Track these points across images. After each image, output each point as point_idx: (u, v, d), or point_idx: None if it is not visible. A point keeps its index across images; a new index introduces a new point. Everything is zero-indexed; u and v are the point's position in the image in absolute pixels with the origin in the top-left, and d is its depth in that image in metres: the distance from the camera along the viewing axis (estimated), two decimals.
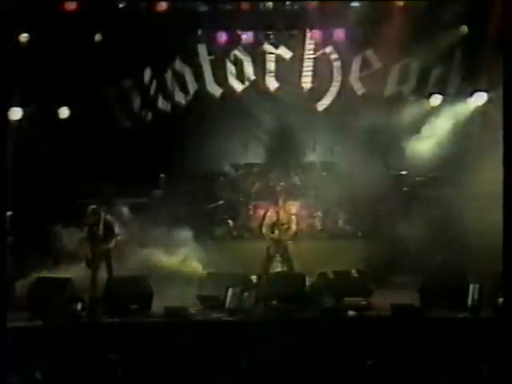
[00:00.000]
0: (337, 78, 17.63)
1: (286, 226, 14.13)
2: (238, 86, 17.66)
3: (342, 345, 11.59)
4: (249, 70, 17.64)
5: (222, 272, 14.29)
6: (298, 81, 17.69)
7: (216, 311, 12.78)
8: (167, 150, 16.79)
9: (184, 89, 17.69)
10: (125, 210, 15.38)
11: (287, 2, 16.84)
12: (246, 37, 17.40)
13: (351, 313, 12.62)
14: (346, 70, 17.61)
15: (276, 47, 17.61)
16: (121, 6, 16.42)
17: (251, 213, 16.65)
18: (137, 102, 17.39)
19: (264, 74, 17.71)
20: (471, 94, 16.60)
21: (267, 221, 14.23)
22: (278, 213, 14.23)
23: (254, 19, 16.93)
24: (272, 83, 17.73)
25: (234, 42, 17.48)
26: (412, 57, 17.03)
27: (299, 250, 14.50)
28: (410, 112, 16.90)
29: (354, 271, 13.76)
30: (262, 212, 15.51)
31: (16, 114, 15.40)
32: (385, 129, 16.69)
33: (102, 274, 13.69)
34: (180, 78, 17.64)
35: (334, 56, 17.59)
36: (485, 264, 12.82)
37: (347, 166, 16.91)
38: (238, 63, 17.62)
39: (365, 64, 17.50)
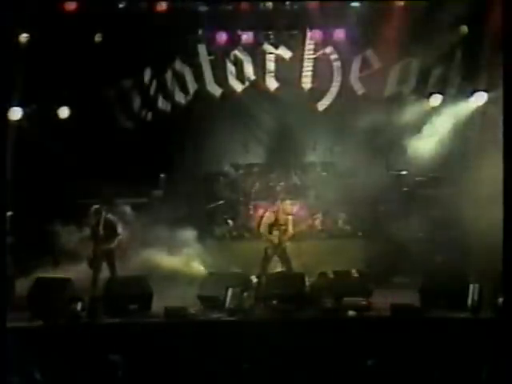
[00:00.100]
0: (337, 78, 17.62)
1: (283, 227, 14.14)
2: (238, 86, 17.66)
3: (342, 345, 11.59)
4: (249, 70, 17.64)
5: (222, 272, 14.32)
6: (298, 81, 17.68)
7: (216, 311, 12.78)
8: (167, 150, 16.79)
9: (184, 89, 17.69)
10: (125, 210, 15.38)
11: (287, 2, 16.84)
12: (246, 37, 17.39)
13: (351, 313, 12.62)
14: (345, 70, 17.61)
15: (276, 47, 17.61)
16: (121, 6, 16.41)
17: (251, 213, 16.66)
18: (137, 102, 17.39)
19: (264, 74, 17.70)
20: (471, 94, 16.58)
21: (265, 222, 14.24)
22: (275, 214, 14.24)
23: (254, 19, 16.92)
24: (272, 83, 17.72)
25: (234, 42, 17.48)
26: (412, 57, 17.03)
27: (299, 250, 14.51)
28: (410, 112, 16.88)
29: (354, 271, 13.76)
30: (261, 212, 15.50)
31: (16, 114, 15.39)
32: (385, 129, 16.69)
33: (103, 274, 13.71)
34: (180, 78, 17.64)
35: (333, 56, 17.58)
36: (485, 264, 12.82)
37: (347, 166, 16.93)
38: (238, 63, 17.62)
39: (365, 64, 17.50)
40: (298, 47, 17.59)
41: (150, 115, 17.46)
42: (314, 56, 17.63)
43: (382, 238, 15.39)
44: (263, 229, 14.19)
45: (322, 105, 17.72)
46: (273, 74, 17.69)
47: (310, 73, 17.69)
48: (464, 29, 16.65)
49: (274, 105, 17.51)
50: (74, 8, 16.17)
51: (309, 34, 17.49)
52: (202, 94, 17.67)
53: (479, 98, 16.49)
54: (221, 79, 17.64)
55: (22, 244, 14.14)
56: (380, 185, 16.17)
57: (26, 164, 15.00)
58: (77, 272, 13.95)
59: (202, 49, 17.52)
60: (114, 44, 16.46)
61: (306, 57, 17.65)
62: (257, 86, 17.72)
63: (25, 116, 15.67)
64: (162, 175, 17.03)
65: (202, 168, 17.26)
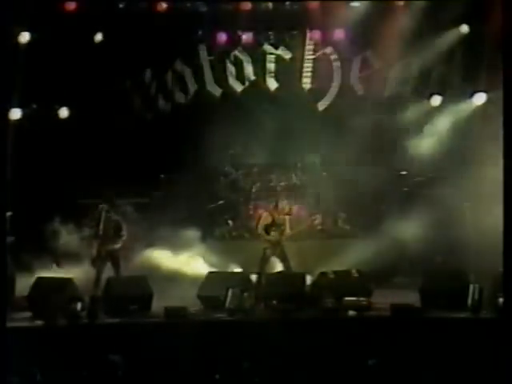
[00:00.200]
0: (337, 78, 17.62)
1: (281, 228, 14.16)
2: (238, 86, 17.66)
3: (342, 345, 11.59)
4: (249, 70, 17.63)
5: (222, 272, 14.32)
6: (298, 81, 17.69)
7: (216, 311, 12.78)
8: (167, 150, 16.78)
9: (184, 89, 17.69)
10: (126, 210, 15.37)
11: (287, 2, 16.84)
12: (246, 37, 17.40)
13: (351, 313, 12.62)
14: (345, 70, 17.60)
15: (276, 47, 17.61)
16: (121, 6, 16.41)
17: (251, 213, 16.66)
18: (137, 102, 17.38)
19: (264, 74, 17.70)
20: (471, 95, 16.59)
21: (262, 222, 14.28)
22: (272, 214, 14.26)
23: (254, 19, 16.92)
24: (272, 83, 17.73)
25: (234, 42, 17.48)
26: (412, 57, 17.02)
27: (299, 250, 14.51)
28: (410, 112, 16.88)
29: (354, 271, 13.76)
30: (260, 213, 15.49)
31: (16, 114, 15.39)
32: (385, 129, 16.69)
33: (104, 274, 13.73)
34: (180, 78, 17.64)
35: (333, 56, 17.58)
36: (485, 264, 12.83)
37: (347, 166, 16.91)
38: (238, 63, 17.62)
39: (365, 64, 17.50)
40: (298, 47, 17.59)
41: (150, 115, 17.46)
42: (313, 56, 17.63)
43: (382, 238, 15.38)
44: (261, 229, 14.23)
45: (321, 105, 17.72)
46: (273, 74, 17.69)
47: (309, 73, 17.69)
48: (464, 29, 16.66)
49: (274, 105, 17.49)
50: (74, 8, 16.16)
51: (309, 34, 17.50)
52: (202, 94, 17.67)
53: (479, 99, 16.50)
54: (221, 79, 17.64)
55: (22, 244, 14.13)
56: (380, 185, 16.18)
57: (26, 164, 15.00)
58: (77, 272, 13.96)
59: (202, 49, 17.53)
60: (114, 44, 16.47)
61: (305, 57, 17.65)
62: (257, 85, 17.72)
63: (25, 116, 15.66)
64: (162, 175, 17.03)
65: (202, 168, 17.24)
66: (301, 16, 16.97)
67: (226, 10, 16.78)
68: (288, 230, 14.25)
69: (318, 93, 17.78)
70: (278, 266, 14.29)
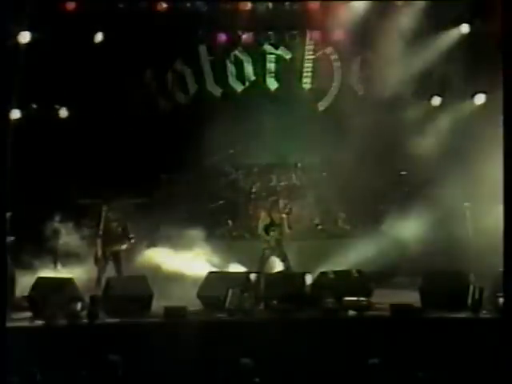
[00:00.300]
0: (337, 78, 17.63)
1: (280, 227, 14.17)
2: (238, 86, 17.67)
3: (342, 345, 11.60)
4: (249, 70, 17.65)
5: (222, 272, 14.32)
6: (298, 81, 17.69)
7: (216, 311, 12.78)
8: (167, 150, 16.78)
9: (184, 89, 17.70)
10: (127, 211, 15.37)
11: (287, 2, 16.84)
12: (246, 37, 17.40)
13: (351, 313, 12.62)
14: (345, 71, 17.62)
15: (276, 47, 17.63)
16: (121, 5, 16.40)
17: (251, 213, 16.66)
18: (137, 103, 17.37)
19: (264, 74, 17.72)
20: (472, 95, 16.59)
21: (261, 223, 14.32)
22: (270, 214, 14.27)
23: (254, 19, 16.93)
24: (272, 83, 17.74)
25: (234, 42, 17.49)
26: (412, 57, 17.00)
27: (299, 250, 14.51)
28: (410, 112, 16.88)
29: (354, 271, 13.76)
30: (260, 213, 15.50)
31: (16, 114, 15.38)
32: (385, 129, 16.67)
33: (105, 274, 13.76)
34: (180, 78, 17.65)
35: (333, 56, 17.59)
36: (485, 264, 12.82)
37: (347, 166, 16.90)
38: (238, 63, 17.63)
39: (365, 64, 17.50)
40: (298, 47, 17.61)
41: (150, 115, 17.45)
42: (313, 56, 17.64)
43: (382, 238, 15.38)
44: (260, 230, 14.28)
45: (321, 105, 17.74)
46: (273, 74, 17.70)
47: (309, 73, 17.71)
48: (464, 29, 16.66)
49: (274, 105, 17.49)
50: (74, 8, 16.16)
51: (309, 34, 17.51)
52: (202, 94, 17.68)
53: (479, 99, 16.50)
54: (221, 79, 17.65)
55: (22, 244, 14.13)
56: (380, 185, 16.17)
57: (26, 164, 14.99)
58: (77, 272, 13.97)
59: (202, 49, 17.54)
60: (114, 44, 16.46)
61: (305, 57, 17.66)
62: (257, 85, 17.73)
63: (25, 116, 15.66)
64: (162, 175, 17.03)
65: (202, 168, 17.24)
66: (301, 16, 16.98)
67: (225, 10, 16.78)
68: (287, 230, 14.26)
69: (318, 93, 17.79)
70: (278, 266, 14.29)
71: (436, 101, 17.03)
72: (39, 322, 12.23)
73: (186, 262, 15.11)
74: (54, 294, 12.59)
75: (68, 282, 13.03)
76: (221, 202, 17.03)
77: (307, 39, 17.57)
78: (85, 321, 12.31)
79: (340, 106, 17.37)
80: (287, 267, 14.08)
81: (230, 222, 16.87)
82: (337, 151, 16.84)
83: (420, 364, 10.28)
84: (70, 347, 11.54)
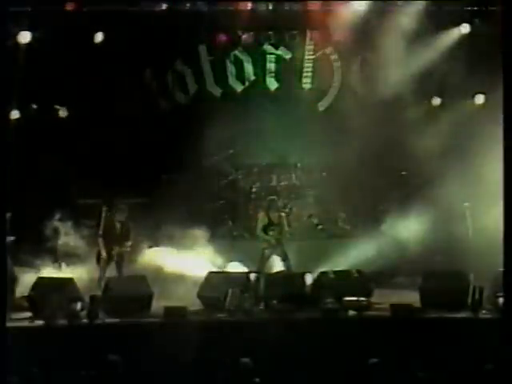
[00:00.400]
0: (337, 78, 17.64)
1: (279, 227, 14.17)
2: (238, 86, 17.67)
3: (342, 345, 11.60)
4: (249, 70, 17.65)
5: (222, 272, 14.32)
6: (298, 81, 17.70)
7: (216, 311, 12.78)
8: (167, 150, 16.79)
9: (184, 89, 17.71)
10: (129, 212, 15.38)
11: (287, 3, 16.83)
12: (246, 37, 17.40)
13: (351, 313, 12.62)
14: (345, 71, 17.62)
15: (276, 47, 17.63)
16: (121, 6, 16.39)
17: (251, 213, 16.66)
18: (137, 103, 17.37)
19: (264, 74, 17.72)
20: (472, 95, 16.59)
21: (259, 223, 14.33)
22: (268, 214, 14.28)
23: (254, 19, 16.92)
24: (272, 83, 17.74)
25: (234, 42, 17.50)
26: (412, 57, 17.01)
27: (299, 250, 14.52)
28: (410, 112, 16.88)
29: (354, 271, 13.76)
30: (260, 213, 15.50)
31: (16, 114, 15.38)
32: (385, 129, 16.67)
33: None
34: (180, 78, 17.65)
35: (333, 56, 17.60)
36: (485, 264, 12.83)
37: (347, 166, 16.90)
38: (238, 63, 17.63)
39: (365, 64, 17.50)
40: (298, 47, 17.61)
41: (150, 115, 17.46)
42: (313, 56, 17.64)
43: (382, 238, 15.39)
44: (258, 231, 14.31)
45: (321, 105, 17.74)
46: (273, 74, 17.71)
47: (309, 73, 17.71)
48: (464, 29, 16.66)
49: (274, 105, 17.50)
50: (74, 8, 16.15)
51: (309, 34, 17.52)
52: (202, 94, 17.69)
53: (479, 99, 16.50)
54: (221, 79, 17.65)
55: (22, 244, 14.13)
56: (380, 185, 16.17)
57: (26, 164, 14.99)
58: (77, 272, 13.97)
59: (202, 49, 17.54)
60: (114, 44, 16.45)
61: (305, 57, 17.67)
62: (257, 85, 17.73)
63: (25, 116, 15.66)
64: (162, 175, 17.03)
65: (202, 168, 17.24)
66: (301, 16, 16.96)
67: (225, 10, 16.76)
68: (286, 228, 14.26)
69: (318, 93, 17.80)
70: (278, 266, 14.29)
71: (436, 101, 17.04)
72: (39, 322, 12.23)
73: (186, 261, 15.10)
74: (54, 294, 12.58)
75: (68, 281, 13.03)
76: (221, 202, 17.03)
77: (307, 39, 17.58)
78: (85, 321, 12.31)
79: (340, 105, 17.38)
80: (288, 267, 14.09)
81: (230, 221, 16.88)
82: (337, 151, 16.84)
83: (420, 364, 10.28)
84: (70, 347, 11.54)
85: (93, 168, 16.06)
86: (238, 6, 16.69)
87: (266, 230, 14.18)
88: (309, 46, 17.63)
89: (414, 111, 16.91)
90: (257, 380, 9.44)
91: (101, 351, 10.38)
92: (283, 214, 14.41)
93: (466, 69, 16.62)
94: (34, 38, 15.42)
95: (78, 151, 16.21)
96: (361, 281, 13.55)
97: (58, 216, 15.08)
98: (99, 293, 13.05)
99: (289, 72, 17.71)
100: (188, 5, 16.59)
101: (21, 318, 12.39)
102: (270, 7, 16.79)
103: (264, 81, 17.75)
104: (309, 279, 13.54)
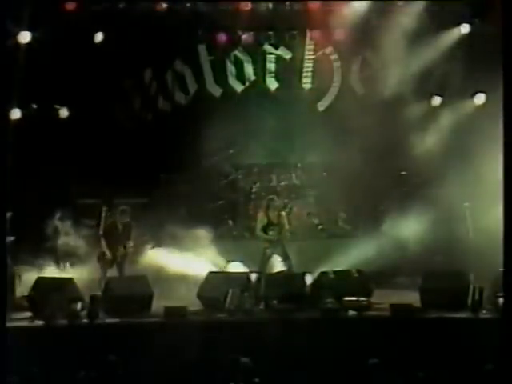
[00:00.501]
0: (337, 78, 17.64)
1: (279, 226, 14.17)
2: (238, 86, 17.67)
3: (342, 345, 11.60)
4: (249, 70, 17.65)
5: (222, 272, 14.32)
6: (297, 81, 17.70)
7: (216, 311, 12.78)
8: (167, 150, 16.79)
9: (184, 89, 17.70)
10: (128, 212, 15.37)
11: (287, 3, 16.83)
12: (246, 37, 17.40)
13: (351, 313, 12.62)
14: (345, 71, 17.62)
15: (276, 47, 17.63)
16: (121, 5, 16.40)
17: (251, 213, 16.66)
18: (137, 102, 17.38)
19: (264, 74, 17.72)
20: (472, 95, 16.59)
21: (258, 223, 14.32)
22: (267, 214, 14.27)
23: (254, 19, 16.92)
24: (272, 83, 17.74)
25: (234, 42, 17.49)
26: (412, 57, 17.00)
27: (299, 250, 14.52)
28: (410, 112, 16.87)
29: (354, 271, 13.76)
30: (259, 213, 15.50)
31: (16, 114, 15.38)
32: (385, 129, 16.66)
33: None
34: (180, 78, 17.65)
35: (333, 56, 17.59)
36: (485, 264, 12.82)
37: (347, 166, 16.89)
38: (238, 63, 17.63)
39: (365, 64, 17.50)
40: (298, 47, 17.60)
41: (150, 115, 17.46)
42: (313, 56, 17.64)
43: (382, 238, 15.38)
44: (258, 231, 14.30)
45: (321, 105, 17.74)
46: (273, 74, 17.70)
47: (309, 73, 17.71)
48: (464, 29, 16.66)
49: (274, 105, 17.50)
50: (74, 8, 16.15)
51: (309, 34, 17.51)
52: (202, 94, 17.68)
53: (479, 99, 16.50)
54: (221, 79, 17.65)
55: (22, 244, 14.13)
56: (380, 185, 16.17)
57: (27, 164, 14.99)
58: (77, 272, 13.97)
59: (202, 49, 17.53)
60: (114, 44, 16.46)
61: (305, 57, 17.66)
62: (257, 85, 17.73)
63: (25, 116, 15.65)
64: (162, 175, 17.03)
65: (202, 168, 17.24)
66: (301, 16, 16.96)
67: (225, 10, 16.76)
68: (287, 227, 14.26)
69: (318, 93, 17.79)
70: (279, 266, 14.29)
71: (436, 101, 17.03)
72: (39, 322, 12.23)
73: (186, 261, 15.10)
74: (54, 294, 12.59)
75: (68, 281, 13.03)
76: (221, 202, 17.03)
77: (307, 39, 17.57)
78: (85, 321, 12.31)
79: (340, 105, 17.36)
80: (289, 267, 14.08)
81: (230, 221, 16.88)
82: (337, 151, 16.84)
83: (420, 364, 10.29)
84: (70, 347, 11.54)
85: (93, 168, 16.06)
86: (237, 5, 16.68)
87: (265, 229, 14.17)
88: (309, 46, 17.62)
89: (414, 111, 16.90)
90: (257, 380, 9.44)
91: (101, 351, 10.39)
92: (283, 214, 14.40)
93: (466, 68, 16.62)
94: (33, 37, 15.41)
95: (78, 151, 16.20)
96: (361, 281, 13.54)
97: (58, 216, 15.09)
98: (99, 293, 13.05)
99: (289, 72, 17.71)
100: (188, 5, 16.60)
101: (21, 318, 12.39)
102: (270, 7, 16.80)
103: (264, 81, 17.75)
104: (309, 279, 13.54)
